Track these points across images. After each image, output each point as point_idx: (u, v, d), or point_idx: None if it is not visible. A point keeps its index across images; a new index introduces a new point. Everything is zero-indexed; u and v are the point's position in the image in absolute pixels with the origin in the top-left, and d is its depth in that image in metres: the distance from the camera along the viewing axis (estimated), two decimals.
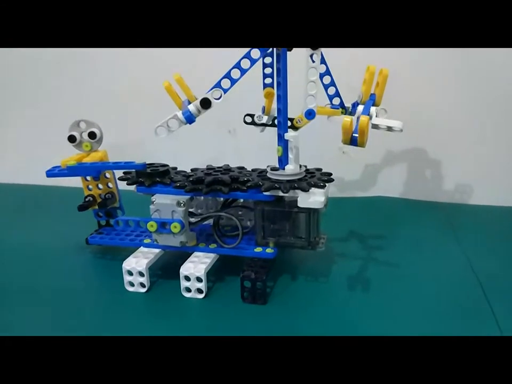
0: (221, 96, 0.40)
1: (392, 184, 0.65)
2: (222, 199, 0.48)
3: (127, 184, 0.45)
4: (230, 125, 0.69)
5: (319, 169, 0.46)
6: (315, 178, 0.43)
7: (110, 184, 0.51)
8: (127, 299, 0.43)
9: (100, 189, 0.51)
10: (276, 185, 0.41)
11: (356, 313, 0.40)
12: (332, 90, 0.44)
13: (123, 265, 0.43)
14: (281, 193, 0.41)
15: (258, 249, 0.44)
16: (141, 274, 0.43)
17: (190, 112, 0.39)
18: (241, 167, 0.48)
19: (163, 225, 0.43)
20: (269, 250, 0.44)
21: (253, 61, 0.40)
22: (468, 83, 0.60)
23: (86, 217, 0.51)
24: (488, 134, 0.61)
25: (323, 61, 0.41)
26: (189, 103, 0.40)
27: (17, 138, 0.76)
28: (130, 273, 0.43)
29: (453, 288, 0.43)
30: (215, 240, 0.45)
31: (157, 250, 0.45)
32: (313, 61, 0.39)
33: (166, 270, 0.47)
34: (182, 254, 0.45)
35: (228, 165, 0.48)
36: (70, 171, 0.46)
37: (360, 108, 0.40)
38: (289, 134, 0.41)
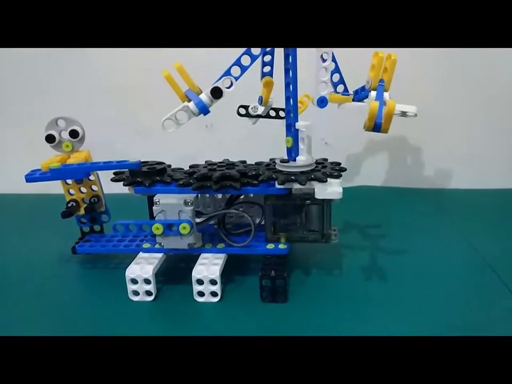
0: (231, 85, 0.37)
1: (374, 173, 0.65)
2: (220, 196, 0.45)
3: (124, 185, 0.41)
4: (207, 120, 0.66)
5: (326, 159, 0.44)
6: (327, 168, 0.41)
7: (94, 187, 0.46)
8: (134, 309, 0.39)
9: (82, 192, 0.46)
10: (291, 177, 0.39)
11: (380, 306, 0.39)
12: (336, 77, 0.42)
13: (126, 273, 0.40)
14: (297, 186, 0.39)
15: (271, 246, 0.42)
16: (147, 281, 0.40)
17: (204, 102, 0.36)
18: (243, 161, 0.45)
19: (170, 227, 0.39)
20: (281, 246, 0.42)
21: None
22: (446, 68, 0.61)
23: (64, 225, 0.47)
24: (466, 119, 0.63)
25: None
26: (192, 93, 0.37)
27: None
28: (134, 281, 0.40)
29: (464, 271, 0.43)
30: (221, 240, 0.43)
31: (159, 255, 0.42)
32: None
33: (169, 275, 0.43)
34: (183, 257, 0.42)
35: (228, 159, 0.45)
36: (54, 174, 0.41)
37: (373, 93, 0.39)
38: (301, 123, 0.40)
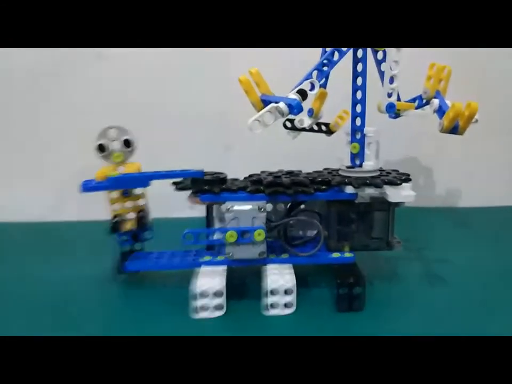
0: (313, 87, 0.37)
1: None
2: (282, 206, 0.44)
3: (193, 192, 0.39)
4: (225, 140, 0.65)
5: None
6: (391, 175, 0.41)
7: (141, 202, 0.44)
8: (203, 328, 0.36)
9: (127, 207, 0.43)
10: (366, 181, 0.39)
11: (452, 310, 0.39)
12: None
13: (194, 288, 0.37)
14: (370, 190, 0.39)
15: (336, 255, 0.41)
16: (219, 294, 0.37)
17: (298, 100, 0.35)
18: (299, 170, 0.45)
19: (243, 235, 0.38)
20: (347, 254, 0.41)
21: (343, 53, 0.38)
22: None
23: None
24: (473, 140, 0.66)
25: (385, 60, 0.40)
26: (273, 97, 0.36)
27: None
28: (204, 295, 0.37)
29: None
30: (282, 251, 0.41)
31: (221, 268, 0.40)
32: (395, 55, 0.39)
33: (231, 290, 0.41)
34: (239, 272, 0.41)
35: (283, 170, 0.45)
36: (112, 183, 0.39)
37: (436, 101, 0.40)
38: (369, 129, 0.40)
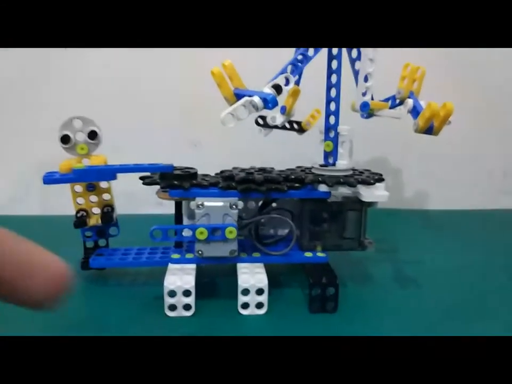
0: (289, 82, 0.36)
1: None
2: (253, 204, 0.43)
3: (162, 187, 0.37)
4: (195, 138, 0.64)
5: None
6: (364, 175, 0.41)
7: (106, 196, 0.42)
8: (173, 326, 0.35)
9: (92, 202, 0.42)
10: (340, 179, 0.38)
11: (424, 311, 0.39)
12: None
13: (165, 284, 0.36)
14: (343, 189, 0.38)
15: (308, 254, 0.40)
16: (187, 294, 0.36)
17: (273, 94, 0.34)
18: (271, 167, 0.44)
19: (214, 232, 0.36)
20: (320, 254, 0.40)
21: (318, 49, 0.37)
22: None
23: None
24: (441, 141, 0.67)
25: (359, 58, 0.39)
26: (247, 91, 0.35)
27: None
28: (172, 294, 0.36)
29: (489, 276, 0.45)
30: (253, 250, 0.40)
31: (190, 266, 0.38)
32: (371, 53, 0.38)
33: (202, 289, 0.40)
34: (209, 271, 0.39)
35: (255, 166, 0.44)
36: (77, 176, 0.37)
37: (410, 101, 0.40)
38: (343, 127, 0.40)
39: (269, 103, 0.33)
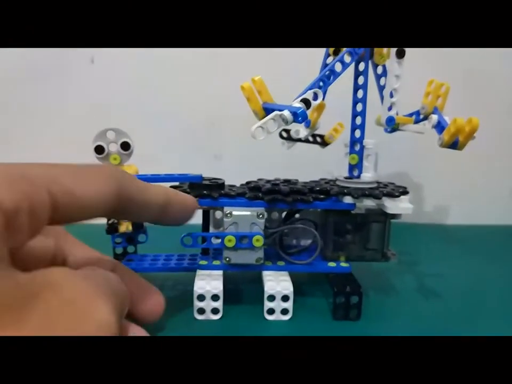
0: (317, 97, 0.37)
1: None
2: (277, 215, 0.44)
3: (203, 196, 0.39)
4: (216, 149, 0.66)
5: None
6: (389, 188, 0.42)
7: None
8: (202, 328, 0.36)
9: None
10: (366, 192, 0.39)
11: (447, 318, 0.39)
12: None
13: (195, 289, 0.37)
14: (368, 201, 0.40)
15: (332, 264, 0.41)
16: (215, 298, 0.37)
17: (303, 108, 0.35)
18: (295, 179, 0.45)
19: (241, 240, 0.38)
20: (343, 264, 0.41)
21: (346, 65, 0.38)
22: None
23: None
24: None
25: (384, 74, 0.41)
26: (276, 105, 0.37)
27: None
28: (201, 298, 0.37)
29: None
30: (278, 258, 0.41)
31: (217, 272, 0.40)
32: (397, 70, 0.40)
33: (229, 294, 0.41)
34: (234, 278, 0.40)
35: (279, 178, 0.45)
36: None
37: (434, 116, 0.41)
38: (369, 141, 0.41)
39: (299, 116, 0.34)
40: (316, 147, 0.49)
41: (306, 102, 0.36)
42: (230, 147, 0.65)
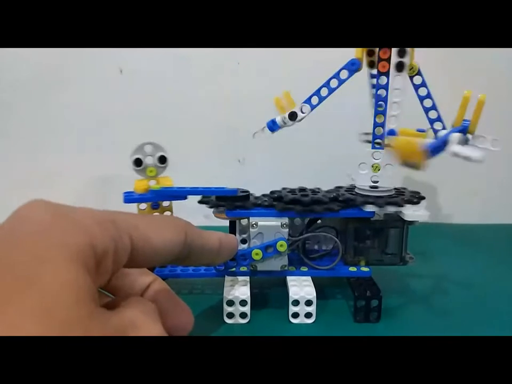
0: (307, 112, 0.41)
1: None
2: (299, 221, 0.47)
3: (226, 208, 0.42)
4: (239, 154, 0.68)
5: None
6: (407, 194, 0.44)
7: (167, 213, 0.46)
8: (232, 331, 0.39)
9: None
10: (388, 200, 0.41)
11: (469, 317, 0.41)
12: (433, 114, 0.43)
13: (224, 295, 0.40)
14: (392, 208, 0.41)
15: (353, 269, 0.43)
16: (243, 303, 0.40)
17: (275, 121, 0.41)
18: (318, 188, 0.47)
19: (267, 249, 0.40)
20: (363, 268, 0.43)
21: (341, 81, 0.41)
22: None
23: None
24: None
25: (424, 84, 0.43)
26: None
27: None
28: (230, 303, 0.40)
29: None
30: (301, 264, 0.44)
31: (244, 278, 0.42)
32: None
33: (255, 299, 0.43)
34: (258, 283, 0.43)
35: (303, 186, 0.47)
36: (155, 195, 0.42)
37: (443, 132, 0.43)
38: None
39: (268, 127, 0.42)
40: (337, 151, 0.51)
41: (293, 115, 0.41)
42: (253, 152, 0.68)
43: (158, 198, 0.42)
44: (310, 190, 0.46)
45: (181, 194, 0.41)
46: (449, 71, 0.64)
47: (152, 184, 0.44)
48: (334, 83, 0.41)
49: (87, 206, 0.26)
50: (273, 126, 0.42)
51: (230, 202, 0.42)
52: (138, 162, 0.44)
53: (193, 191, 0.41)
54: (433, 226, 0.67)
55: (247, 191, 0.44)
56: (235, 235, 0.44)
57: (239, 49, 0.64)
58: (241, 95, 0.65)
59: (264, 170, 0.67)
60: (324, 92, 0.41)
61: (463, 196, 0.71)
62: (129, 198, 0.41)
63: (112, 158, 0.60)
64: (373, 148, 0.43)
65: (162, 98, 0.66)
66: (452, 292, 0.47)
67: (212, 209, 0.43)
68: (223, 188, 0.42)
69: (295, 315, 0.40)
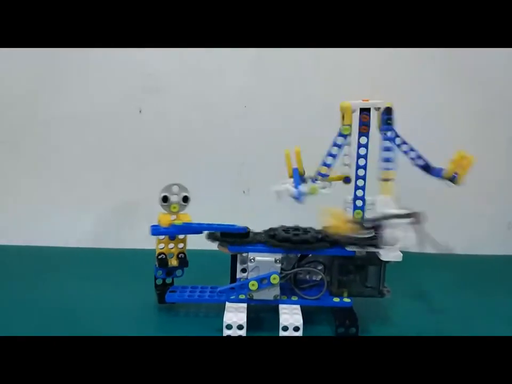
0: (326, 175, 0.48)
1: None
2: (292, 256, 0.53)
3: (232, 244, 0.49)
4: (244, 185, 0.75)
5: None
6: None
7: (181, 245, 0.54)
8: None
9: (170, 248, 0.54)
10: (368, 242, 0.48)
11: None
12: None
13: (224, 319, 0.47)
14: (371, 249, 0.48)
15: (336, 299, 0.50)
16: (240, 327, 0.47)
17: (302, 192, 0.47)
18: (310, 227, 0.54)
19: (261, 281, 0.47)
20: (346, 299, 0.50)
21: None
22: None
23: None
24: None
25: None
26: (297, 175, 0.48)
27: None
28: (229, 327, 0.47)
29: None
30: (292, 293, 0.51)
31: (242, 305, 0.49)
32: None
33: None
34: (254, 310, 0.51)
35: (298, 226, 0.54)
36: (176, 230, 0.51)
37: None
38: (369, 198, 0.50)
39: (296, 196, 0.47)
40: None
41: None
42: (257, 183, 0.75)
43: (180, 232, 0.51)
44: (303, 229, 0.53)
45: (199, 229, 0.50)
46: None
47: (173, 218, 0.52)
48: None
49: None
50: (301, 197, 0.47)
51: (232, 239, 0.49)
52: (165, 199, 0.51)
53: (209, 227, 0.50)
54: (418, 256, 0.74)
55: (248, 228, 0.51)
56: (236, 266, 0.52)
57: (245, 94, 0.72)
58: (248, 134, 0.73)
59: (267, 200, 0.74)
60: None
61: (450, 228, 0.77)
62: (156, 231, 0.51)
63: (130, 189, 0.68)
64: None
65: (178, 137, 0.74)
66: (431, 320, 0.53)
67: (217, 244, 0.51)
68: (233, 225, 0.49)
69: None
